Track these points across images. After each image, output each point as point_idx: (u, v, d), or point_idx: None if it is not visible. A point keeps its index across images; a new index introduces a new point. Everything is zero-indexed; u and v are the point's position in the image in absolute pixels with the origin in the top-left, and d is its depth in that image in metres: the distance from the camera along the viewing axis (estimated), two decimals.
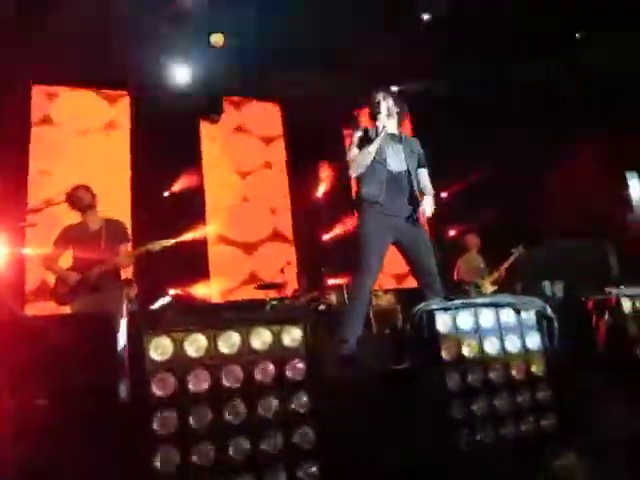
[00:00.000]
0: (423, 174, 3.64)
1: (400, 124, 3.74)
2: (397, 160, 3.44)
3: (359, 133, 3.54)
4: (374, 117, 3.55)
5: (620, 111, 6.78)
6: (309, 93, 8.89)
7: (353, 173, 3.47)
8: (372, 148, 3.36)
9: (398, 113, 3.67)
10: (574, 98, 7.42)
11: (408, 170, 3.44)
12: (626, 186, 7.02)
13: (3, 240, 6.14)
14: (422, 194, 3.59)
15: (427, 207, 3.41)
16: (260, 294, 7.24)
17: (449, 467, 2.62)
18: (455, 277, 6.82)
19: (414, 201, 3.41)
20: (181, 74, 8.05)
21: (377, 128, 3.45)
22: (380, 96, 3.57)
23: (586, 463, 2.62)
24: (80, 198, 4.28)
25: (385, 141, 3.45)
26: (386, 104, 3.56)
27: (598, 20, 6.83)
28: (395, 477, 2.59)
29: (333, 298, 6.99)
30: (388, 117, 3.55)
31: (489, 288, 6.52)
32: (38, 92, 7.88)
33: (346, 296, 4.79)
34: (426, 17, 7.76)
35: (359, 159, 3.38)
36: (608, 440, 2.77)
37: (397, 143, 3.51)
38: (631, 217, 6.90)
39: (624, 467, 2.65)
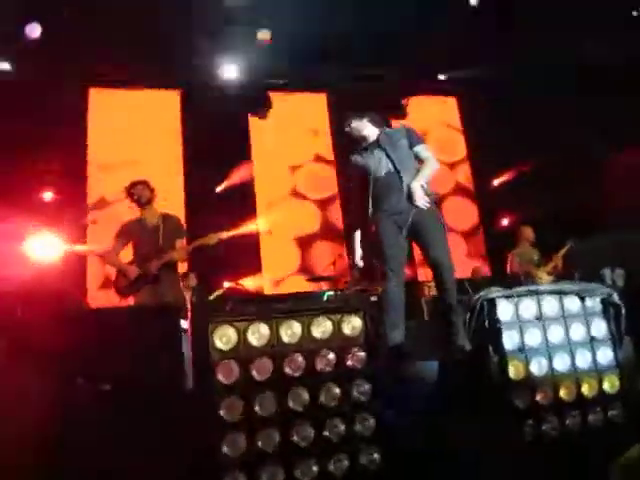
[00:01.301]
0: (420, 152, 3.57)
1: (382, 123, 3.71)
2: (379, 165, 3.49)
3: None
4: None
5: None
6: (354, 84, 8.85)
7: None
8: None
9: (369, 120, 3.65)
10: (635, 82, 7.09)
11: (394, 166, 3.45)
12: None
13: (65, 237, 6.42)
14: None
15: (416, 199, 3.35)
16: (312, 287, 7.28)
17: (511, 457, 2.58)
18: (508, 270, 6.65)
19: (409, 192, 3.38)
20: (229, 71, 8.16)
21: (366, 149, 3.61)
22: (346, 126, 3.68)
23: None
24: (139, 193, 4.39)
25: (364, 157, 3.59)
26: (350, 128, 3.66)
27: None
28: (454, 464, 2.57)
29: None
30: (359, 133, 3.64)
31: (545, 279, 6.33)
32: (94, 93, 8.16)
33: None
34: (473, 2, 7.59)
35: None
36: None
37: (375, 148, 3.56)
38: None
39: None
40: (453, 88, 9.57)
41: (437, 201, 3.59)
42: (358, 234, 3.84)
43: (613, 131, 7.30)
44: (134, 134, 8.20)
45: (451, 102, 9.92)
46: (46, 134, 7.09)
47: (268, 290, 8.09)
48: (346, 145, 8.56)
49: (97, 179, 7.73)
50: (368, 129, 3.62)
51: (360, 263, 3.92)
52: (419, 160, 3.58)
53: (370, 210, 3.50)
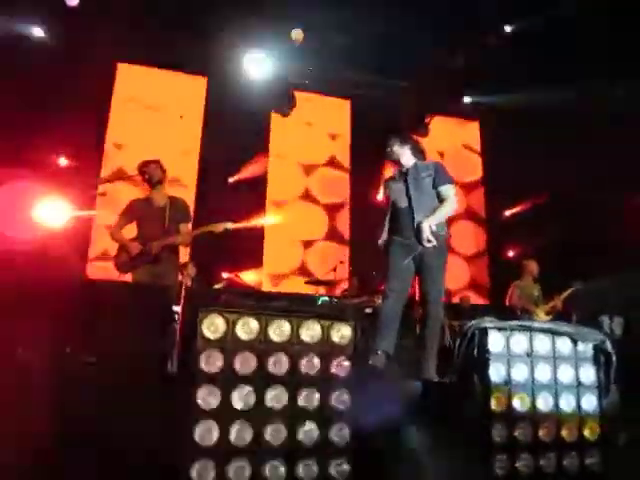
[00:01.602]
0: (442, 191, 3.72)
1: (420, 154, 3.92)
2: (400, 197, 3.74)
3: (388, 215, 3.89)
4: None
5: None
6: (380, 94, 8.86)
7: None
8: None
9: (410, 148, 3.86)
10: None
11: (410, 204, 3.65)
12: None
13: (74, 205, 6.45)
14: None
15: (423, 238, 3.53)
16: (309, 289, 7.29)
17: None
18: (507, 302, 6.62)
19: (417, 229, 3.58)
20: (259, 65, 8.19)
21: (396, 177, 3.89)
22: (388, 146, 3.92)
23: None
24: (151, 173, 4.41)
25: (392, 184, 3.89)
26: (391, 151, 3.90)
27: None
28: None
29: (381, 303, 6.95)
30: (397, 159, 3.87)
31: (542, 317, 6.31)
32: (122, 69, 8.21)
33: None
34: (508, 29, 7.62)
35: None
36: None
37: (401, 180, 3.79)
38: None
39: None
40: (477, 111, 9.58)
41: (447, 240, 3.74)
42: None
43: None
44: (156, 114, 8.25)
45: (473, 125, 9.91)
46: (71, 102, 7.15)
47: (266, 286, 8.10)
48: (363, 153, 8.63)
49: (114, 152, 7.78)
50: (406, 157, 3.82)
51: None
52: (440, 199, 3.71)
53: (385, 234, 3.82)
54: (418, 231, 3.54)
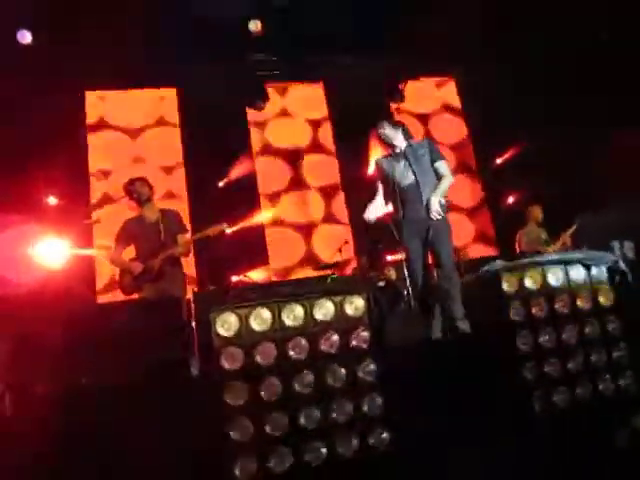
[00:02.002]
0: (439, 167, 3.97)
1: (410, 135, 4.14)
2: (403, 176, 3.94)
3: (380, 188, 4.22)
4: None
5: None
6: (350, 71, 8.78)
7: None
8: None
9: (402, 131, 4.07)
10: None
11: (416, 180, 3.88)
12: None
13: (71, 239, 6.44)
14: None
15: (433, 211, 3.76)
16: (320, 274, 7.27)
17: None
18: (517, 249, 6.60)
19: (427, 205, 3.81)
20: (223, 65, 8.11)
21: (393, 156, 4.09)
22: (379, 130, 4.12)
23: None
24: (138, 191, 4.39)
25: (390, 164, 4.06)
26: (383, 134, 4.09)
27: None
28: (461, 439, 2.55)
29: (392, 273, 6.93)
30: (391, 141, 4.07)
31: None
32: (91, 96, 8.16)
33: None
34: None
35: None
36: None
37: (401, 159, 3.99)
38: None
39: None
40: (451, 69, 9.48)
41: (448, 208, 3.98)
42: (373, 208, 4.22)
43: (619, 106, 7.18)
44: (133, 134, 8.22)
45: (449, 84, 9.82)
46: (46, 139, 7.11)
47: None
48: (345, 132, 8.56)
49: (99, 180, 7.76)
50: (399, 139, 4.03)
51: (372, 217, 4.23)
52: (437, 174, 3.97)
53: (378, 210, 4.13)
54: (427, 206, 3.78)
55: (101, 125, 8.15)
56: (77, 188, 7.44)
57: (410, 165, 3.91)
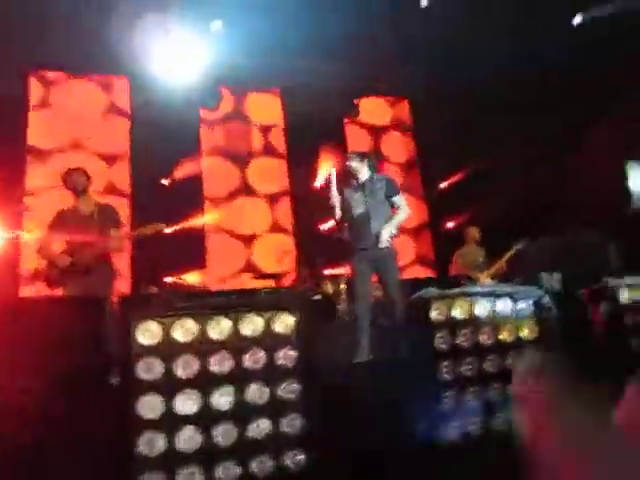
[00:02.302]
0: (396, 202, 4.30)
1: (375, 168, 4.48)
2: (357, 206, 4.25)
3: (334, 189, 4.45)
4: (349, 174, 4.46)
5: (621, 101, 6.68)
6: (309, 81, 8.84)
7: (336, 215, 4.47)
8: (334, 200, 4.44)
9: (368, 164, 4.38)
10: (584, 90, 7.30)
11: (367, 211, 4.19)
12: (626, 177, 6.94)
13: (1, 224, 6.12)
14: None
15: (382, 239, 4.06)
16: (257, 284, 7.21)
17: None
18: (452, 271, 6.74)
19: (377, 235, 4.10)
20: (180, 62, 7.97)
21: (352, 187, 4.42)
22: (347, 161, 4.42)
23: None
24: (75, 181, 4.23)
25: (349, 193, 4.36)
26: (350, 166, 4.38)
27: None
28: (380, 465, 2.56)
29: (329, 288, 6.96)
30: (356, 173, 4.37)
31: (487, 282, 6.45)
32: (36, 78, 7.83)
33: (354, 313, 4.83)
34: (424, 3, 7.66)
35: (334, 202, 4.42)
36: None
37: (359, 190, 4.31)
38: (632, 208, 6.84)
39: None
40: (405, 89, 9.69)
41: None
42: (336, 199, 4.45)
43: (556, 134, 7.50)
44: (79, 121, 7.92)
45: (403, 103, 10.01)
46: None
47: (213, 287, 7.94)
48: (298, 141, 8.59)
49: (36, 166, 7.42)
50: (363, 172, 4.34)
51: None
52: (393, 207, 4.29)
53: (345, 236, 4.31)
54: (377, 237, 4.08)
55: (44, 108, 7.81)
56: (13, 173, 7.09)
57: (365, 196, 4.23)
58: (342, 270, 7.29)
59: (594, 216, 6.74)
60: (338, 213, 4.43)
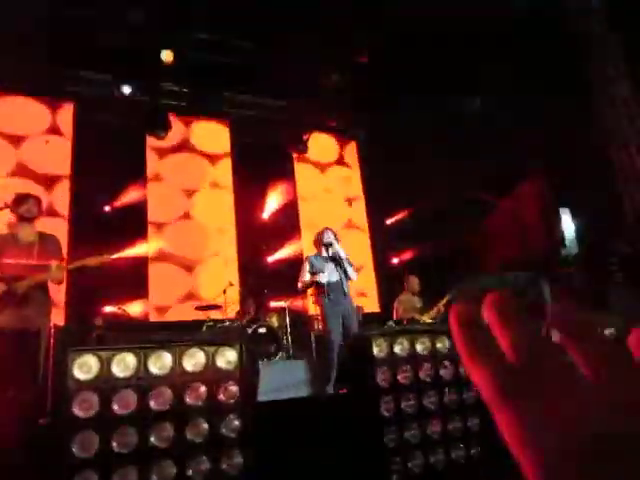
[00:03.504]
0: (349, 269, 5.41)
1: (338, 242, 5.57)
2: (331, 274, 5.31)
3: (307, 263, 5.45)
4: (319, 247, 5.52)
5: (555, 147, 7.10)
6: (258, 114, 8.96)
7: (299, 286, 5.46)
8: (306, 279, 5.38)
9: (338, 239, 5.60)
10: (512, 133, 7.71)
11: (340, 278, 5.29)
12: (559, 221, 7.33)
13: None
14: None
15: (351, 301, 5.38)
16: (200, 315, 7.08)
17: None
18: (394, 316, 6.87)
19: (347, 294, 5.28)
20: (129, 87, 7.92)
21: (322, 257, 5.45)
22: (328, 237, 5.46)
23: None
24: (28, 209, 4.08)
25: (323, 264, 5.35)
26: (328, 242, 5.42)
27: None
28: None
29: (274, 320, 6.92)
30: (331, 246, 5.42)
31: (428, 322, 6.60)
32: None
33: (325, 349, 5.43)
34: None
35: (304, 283, 5.40)
36: None
37: (329, 262, 5.37)
38: (564, 251, 7.21)
39: None
40: (352, 128, 9.96)
41: None
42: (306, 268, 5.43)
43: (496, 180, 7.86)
44: (17, 141, 7.67)
45: (350, 142, 10.27)
46: None
47: (154, 317, 7.74)
48: (245, 172, 8.62)
49: None
50: (336, 246, 5.42)
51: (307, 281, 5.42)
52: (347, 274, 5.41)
53: (325, 301, 5.19)
54: (348, 294, 5.30)
55: None
56: None
57: (339, 267, 5.34)
58: (286, 303, 7.28)
59: (527, 259, 7.07)
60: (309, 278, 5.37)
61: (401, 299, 6.81)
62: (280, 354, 6.45)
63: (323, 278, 5.24)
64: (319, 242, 5.51)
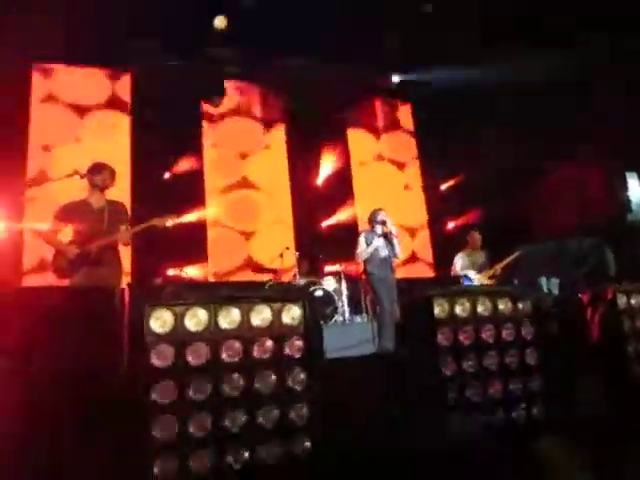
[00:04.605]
0: (397, 247, 5.87)
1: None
2: (382, 250, 5.78)
3: (363, 237, 5.83)
4: (373, 225, 5.90)
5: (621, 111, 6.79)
6: (310, 78, 8.89)
7: (359, 259, 5.82)
8: (369, 250, 5.76)
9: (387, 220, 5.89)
10: (575, 97, 7.39)
11: (389, 255, 5.80)
12: (626, 186, 7.05)
13: (1, 214, 6.15)
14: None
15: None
16: (257, 278, 7.27)
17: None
18: (452, 272, 6.82)
19: (392, 272, 5.83)
20: (184, 56, 8.02)
21: (375, 234, 5.85)
22: (382, 216, 5.87)
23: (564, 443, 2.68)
24: (103, 179, 4.28)
25: (375, 240, 5.78)
26: (382, 220, 5.85)
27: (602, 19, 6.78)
28: (386, 457, 2.63)
29: (330, 284, 7.02)
30: (381, 225, 5.85)
31: (486, 283, 6.52)
32: (38, 70, 7.85)
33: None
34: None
35: (364, 254, 5.76)
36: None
37: (381, 237, 5.82)
38: (630, 217, 6.94)
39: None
40: (407, 91, 9.76)
41: None
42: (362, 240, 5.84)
43: (556, 143, 7.59)
44: (79, 113, 7.95)
45: (404, 105, 10.09)
46: None
47: (213, 280, 8.00)
48: (299, 137, 8.63)
49: (39, 157, 7.45)
50: (389, 223, 5.83)
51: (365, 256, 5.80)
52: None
53: (368, 268, 5.74)
54: (393, 268, 5.88)
55: (47, 100, 7.84)
56: (14, 163, 7.11)
57: (386, 245, 5.81)
58: (341, 267, 7.36)
59: (592, 224, 6.86)
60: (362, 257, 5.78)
61: (463, 254, 6.74)
62: (336, 317, 6.56)
63: (379, 251, 5.73)
64: (373, 220, 5.92)
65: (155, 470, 2.09)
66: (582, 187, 7.60)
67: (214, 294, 2.49)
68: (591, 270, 5.95)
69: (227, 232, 8.34)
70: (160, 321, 2.29)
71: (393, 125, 9.94)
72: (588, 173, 7.54)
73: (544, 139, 7.62)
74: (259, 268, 7.61)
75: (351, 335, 5.89)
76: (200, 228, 8.08)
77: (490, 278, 6.53)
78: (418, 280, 8.23)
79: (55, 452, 2.28)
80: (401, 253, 6.01)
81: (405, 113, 10.05)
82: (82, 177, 4.24)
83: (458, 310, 2.85)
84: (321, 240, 8.51)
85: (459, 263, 6.70)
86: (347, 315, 6.87)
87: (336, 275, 7.27)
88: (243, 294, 2.52)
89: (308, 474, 2.34)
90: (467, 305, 2.88)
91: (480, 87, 8.01)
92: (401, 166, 9.71)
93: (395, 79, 9.46)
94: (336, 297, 6.81)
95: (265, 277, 7.30)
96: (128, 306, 3.09)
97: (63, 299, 3.29)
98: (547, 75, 7.54)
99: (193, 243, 7.84)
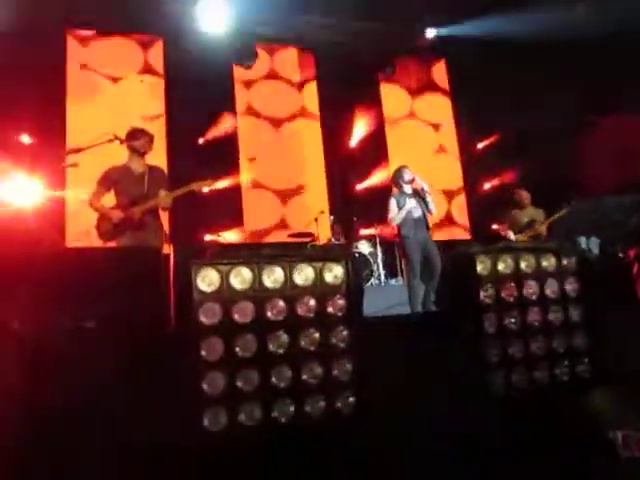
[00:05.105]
0: (430, 204, 5.64)
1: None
2: (415, 210, 5.54)
3: (394, 200, 5.60)
4: (400, 185, 5.69)
5: None
6: (342, 38, 8.71)
7: (393, 223, 5.61)
8: (402, 214, 5.53)
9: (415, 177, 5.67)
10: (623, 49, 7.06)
11: (423, 214, 5.58)
12: None
13: (44, 181, 6.31)
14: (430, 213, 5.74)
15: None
16: (294, 241, 7.32)
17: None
18: (497, 228, 6.68)
19: (428, 230, 5.60)
20: (215, 20, 7.93)
21: (405, 194, 5.63)
22: (408, 174, 5.65)
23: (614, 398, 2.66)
24: (142, 144, 4.36)
25: (407, 200, 5.54)
26: (410, 178, 5.65)
27: None
28: (426, 411, 2.66)
29: (364, 247, 7.03)
30: (409, 184, 5.67)
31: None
32: (72, 38, 7.89)
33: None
34: None
35: (397, 218, 5.55)
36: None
37: (412, 197, 5.59)
38: None
39: None
40: (441, 47, 9.47)
41: None
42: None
43: (599, 97, 7.32)
44: (114, 80, 8.00)
45: (439, 63, 9.81)
46: (24, 77, 6.87)
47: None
48: (332, 99, 8.53)
49: (76, 122, 7.56)
50: (418, 181, 5.64)
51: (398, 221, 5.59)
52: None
53: (403, 231, 5.51)
54: (429, 229, 5.64)
55: (82, 68, 7.90)
56: (53, 128, 7.24)
57: (418, 205, 5.57)
58: (375, 230, 7.34)
59: (631, 181, 6.64)
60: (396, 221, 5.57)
61: (511, 212, 6.53)
62: (372, 279, 6.58)
63: (412, 212, 5.51)
64: (400, 179, 5.67)
65: (205, 422, 2.17)
66: (622, 142, 7.35)
67: (257, 253, 2.52)
68: (632, 230, 5.79)
69: (262, 196, 8.39)
70: (207, 279, 2.33)
71: (428, 84, 9.70)
72: (629, 127, 7.27)
73: (589, 92, 7.34)
74: (294, 232, 7.65)
75: (387, 298, 5.90)
76: (235, 192, 8.14)
77: (531, 237, 6.33)
78: (456, 241, 8.14)
79: (107, 407, 2.37)
80: (435, 208, 5.73)
81: (440, 71, 9.78)
82: (122, 143, 4.31)
83: (501, 267, 2.82)
84: (355, 203, 8.48)
85: (507, 222, 6.50)
86: (382, 278, 6.88)
87: (371, 238, 7.26)
88: (286, 252, 2.54)
89: (352, 428, 2.39)
90: (510, 262, 2.84)
91: (520, 39, 7.70)
92: (436, 127, 9.51)
93: (429, 34, 9.12)
94: (372, 260, 6.82)
95: (301, 241, 7.34)
96: (174, 266, 3.16)
97: (112, 259, 3.40)
98: (592, 26, 7.22)
99: (229, 207, 7.93)
